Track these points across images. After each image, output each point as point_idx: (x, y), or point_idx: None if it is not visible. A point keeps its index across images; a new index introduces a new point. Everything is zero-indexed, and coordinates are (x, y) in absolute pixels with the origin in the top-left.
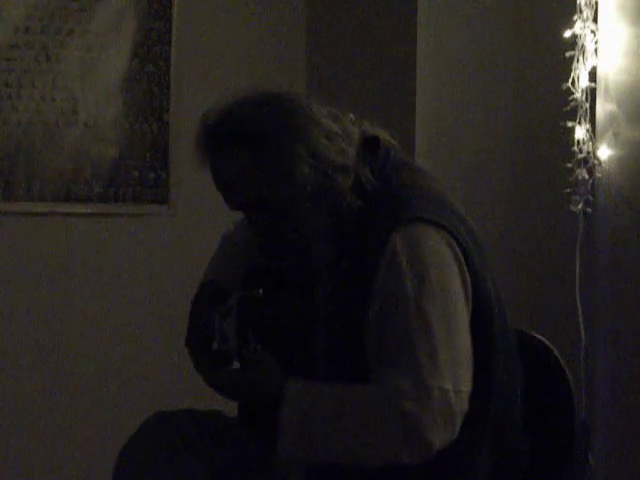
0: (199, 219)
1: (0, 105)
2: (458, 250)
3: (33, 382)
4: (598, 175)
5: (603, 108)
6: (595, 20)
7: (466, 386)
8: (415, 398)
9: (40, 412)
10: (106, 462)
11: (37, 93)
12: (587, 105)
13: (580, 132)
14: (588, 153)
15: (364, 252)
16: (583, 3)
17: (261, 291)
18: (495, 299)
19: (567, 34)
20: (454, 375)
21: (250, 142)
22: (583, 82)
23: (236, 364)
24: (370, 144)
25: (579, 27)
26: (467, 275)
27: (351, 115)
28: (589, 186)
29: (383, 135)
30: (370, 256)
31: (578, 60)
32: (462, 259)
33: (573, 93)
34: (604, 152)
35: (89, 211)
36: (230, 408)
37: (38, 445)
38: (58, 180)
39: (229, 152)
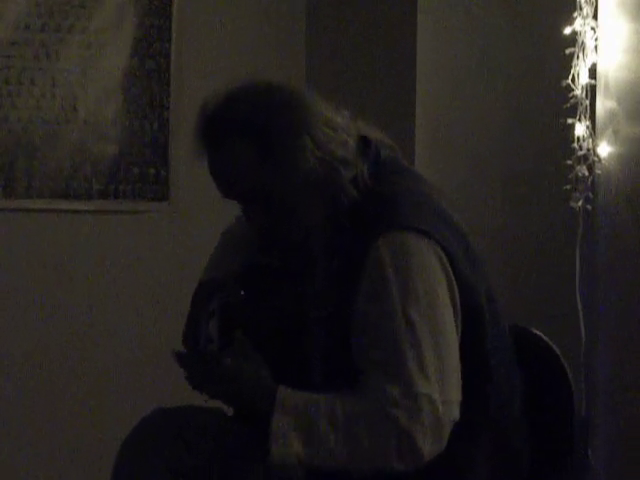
0: (199, 216)
1: (0, 102)
2: (445, 258)
3: (32, 379)
4: (598, 172)
5: (603, 105)
6: (595, 17)
7: (454, 395)
8: (405, 407)
9: (40, 409)
10: (106, 458)
11: (37, 90)
12: (587, 102)
13: (580, 129)
14: (588, 150)
15: (350, 255)
16: (583, 0)
17: (243, 292)
18: (487, 305)
19: (567, 31)
20: (442, 385)
21: (254, 133)
22: (583, 79)
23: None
24: (363, 143)
25: (579, 24)
26: (454, 284)
27: (345, 111)
28: (589, 183)
29: (376, 134)
30: (355, 260)
31: (578, 57)
32: (449, 267)
33: (573, 90)
34: (604, 149)
35: (89, 208)
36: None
37: (37, 442)
38: (58, 177)
39: (231, 143)
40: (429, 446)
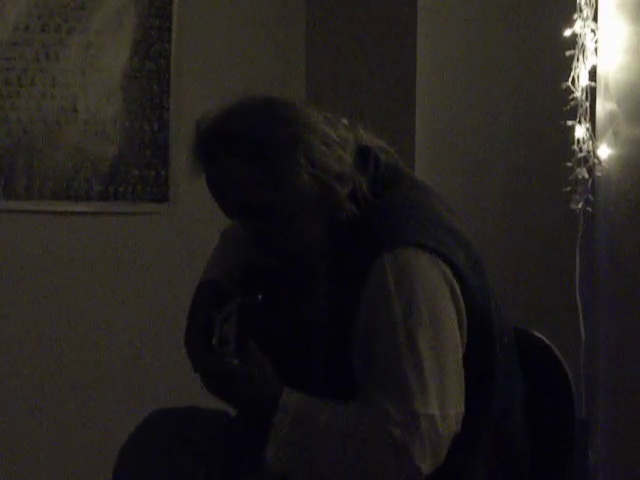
0: (199, 217)
1: (0, 103)
2: (451, 274)
3: (33, 379)
4: (598, 174)
5: (603, 107)
6: (595, 19)
7: (455, 409)
8: (403, 424)
9: (40, 410)
10: (107, 459)
11: (37, 91)
12: (587, 104)
13: (580, 131)
14: (588, 152)
15: (351, 268)
16: (583, 2)
17: (260, 297)
18: (495, 315)
19: (567, 33)
20: (442, 400)
21: (246, 151)
22: (583, 81)
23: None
24: (362, 154)
25: (579, 26)
26: (460, 298)
27: (344, 120)
28: (589, 185)
29: (377, 142)
30: (357, 274)
31: (578, 59)
32: (455, 283)
33: (573, 92)
34: (604, 151)
35: (89, 209)
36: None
37: (38, 443)
38: (58, 178)
39: (226, 162)
40: (426, 462)
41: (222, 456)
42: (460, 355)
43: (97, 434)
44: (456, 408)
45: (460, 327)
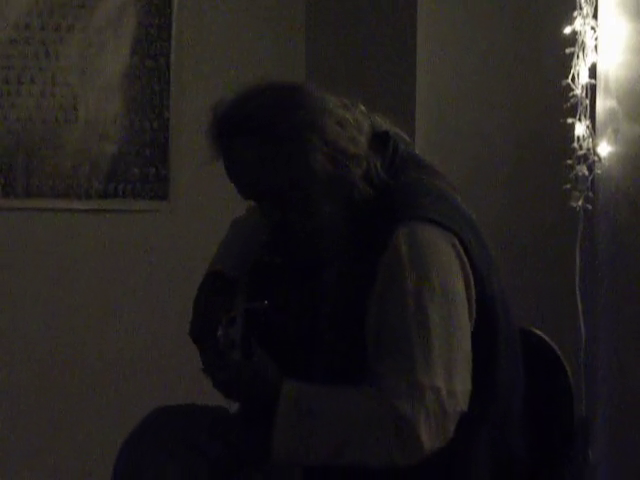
0: (199, 215)
1: None
2: (462, 251)
3: (33, 377)
4: (598, 172)
5: (603, 104)
6: (595, 16)
7: (462, 386)
8: (407, 396)
9: (40, 408)
10: (107, 457)
11: (37, 89)
12: (587, 101)
13: (580, 128)
14: (588, 150)
15: (367, 247)
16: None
17: (267, 302)
18: (500, 301)
19: (567, 30)
20: (449, 375)
21: (261, 132)
22: (583, 78)
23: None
24: (380, 138)
25: (579, 23)
26: (470, 277)
27: (362, 106)
28: (589, 182)
29: (393, 129)
30: (373, 251)
31: (578, 56)
32: (465, 260)
33: (573, 90)
34: (604, 148)
35: (89, 207)
36: (232, 403)
37: (38, 440)
38: (58, 176)
39: (242, 143)
40: (431, 436)
41: (223, 453)
42: (469, 334)
43: (97, 432)
44: (463, 385)
45: (469, 304)
